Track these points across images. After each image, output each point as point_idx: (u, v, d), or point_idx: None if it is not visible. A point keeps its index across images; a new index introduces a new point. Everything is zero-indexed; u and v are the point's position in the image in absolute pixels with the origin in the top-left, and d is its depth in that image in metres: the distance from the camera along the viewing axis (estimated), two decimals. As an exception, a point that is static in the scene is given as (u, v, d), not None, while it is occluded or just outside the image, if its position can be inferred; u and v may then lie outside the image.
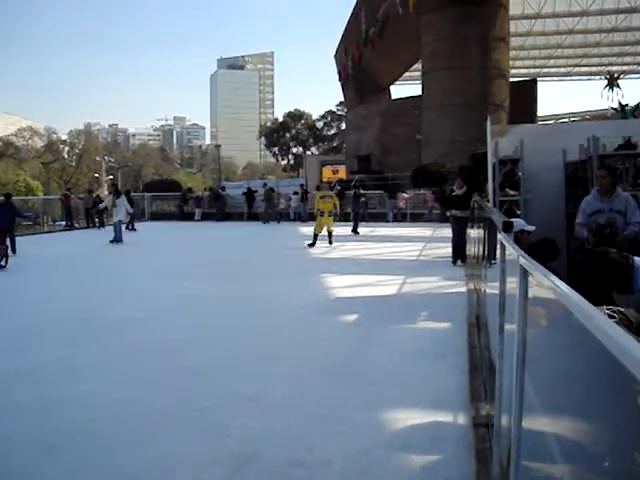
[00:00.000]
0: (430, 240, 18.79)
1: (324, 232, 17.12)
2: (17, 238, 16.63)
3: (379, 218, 28.20)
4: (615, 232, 6.26)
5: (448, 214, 13.72)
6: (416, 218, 27.99)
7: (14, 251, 15.57)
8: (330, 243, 17.08)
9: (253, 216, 30.13)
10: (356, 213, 22.95)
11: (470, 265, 11.14)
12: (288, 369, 5.73)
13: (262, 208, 30.02)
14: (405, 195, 29.30)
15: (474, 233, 9.65)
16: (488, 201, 8.81)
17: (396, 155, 43.53)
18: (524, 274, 1.99)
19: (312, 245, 16.76)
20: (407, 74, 60.74)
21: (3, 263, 13.14)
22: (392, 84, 62.61)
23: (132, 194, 26.89)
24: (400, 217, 28.63)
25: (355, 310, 8.42)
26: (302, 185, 32.74)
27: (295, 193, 30.88)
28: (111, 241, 18.57)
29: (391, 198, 28.72)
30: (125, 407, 4.77)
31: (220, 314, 8.41)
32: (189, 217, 31.68)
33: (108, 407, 4.78)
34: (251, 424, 4.39)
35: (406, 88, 68.75)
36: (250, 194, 31.47)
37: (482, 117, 11.50)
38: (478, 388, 4.81)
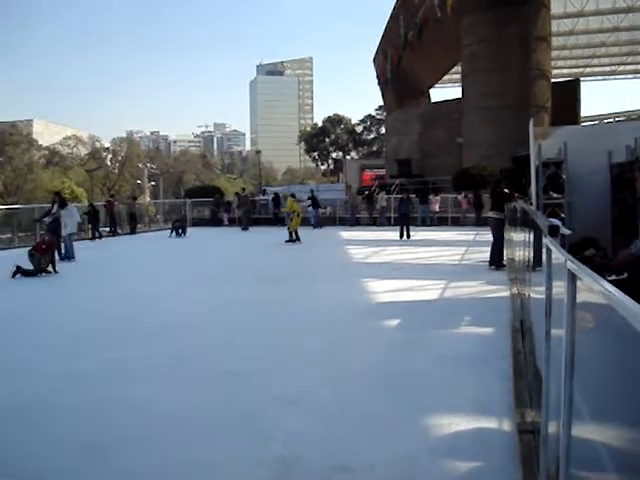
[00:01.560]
0: (472, 244, 18.61)
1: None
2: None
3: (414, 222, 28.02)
4: None
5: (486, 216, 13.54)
6: (455, 222, 27.73)
7: (72, 257, 16.08)
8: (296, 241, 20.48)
9: (280, 221, 30.11)
10: (404, 217, 21.90)
11: (513, 269, 10.99)
12: (330, 373, 5.72)
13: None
14: (438, 198, 29.07)
15: (517, 237, 9.52)
16: (531, 204, 8.69)
17: (436, 158, 43.20)
18: (572, 279, 1.96)
19: (293, 241, 20.50)
20: (447, 77, 60.31)
21: (50, 269, 13.42)
22: (432, 87, 62.21)
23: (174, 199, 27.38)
24: (436, 221, 28.35)
25: (397, 314, 8.39)
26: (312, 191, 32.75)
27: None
28: (61, 258, 15.54)
29: (422, 203, 28.50)
30: (171, 410, 4.83)
31: (262, 318, 8.46)
32: (221, 222, 32.09)
33: (154, 409, 4.85)
34: (294, 427, 4.40)
35: (446, 91, 68.46)
36: (277, 199, 31.74)
37: (524, 119, 11.38)
38: (523, 394, 4.73)
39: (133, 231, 27.88)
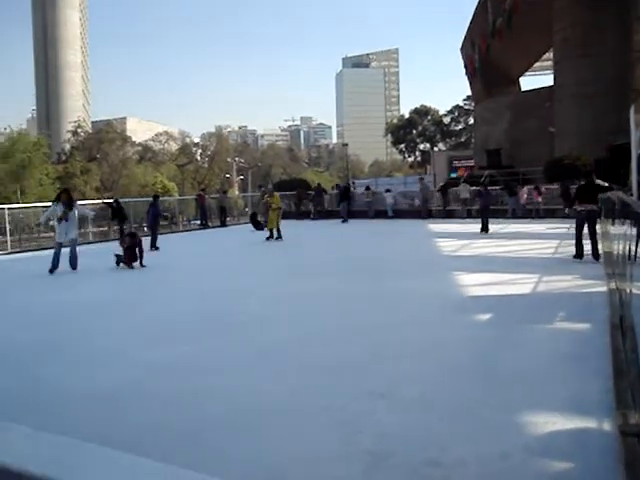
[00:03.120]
0: (565, 237, 17.96)
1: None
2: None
3: (501, 214, 27.29)
4: None
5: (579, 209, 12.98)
6: (549, 214, 26.75)
7: (157, 247, 16.91)
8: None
9: (350, 214, 30.15)
10: (483, 210, 21.05)
11: (611, 263, 10.54)
12: (420, 367, 5.66)
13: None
14: (525, 190, 28.14)
15: (615, 230, 9.12)
16: (631, 195, 8.29)
17: (527, 149, 42.00)
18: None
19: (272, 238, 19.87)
20: (537, 64, 58.49)
21: (135, 264, 13.88)
22: (521, 75, 60.49)
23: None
24: (524, 213, 27.41)
25: (487, 309, 8.21)
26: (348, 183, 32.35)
27: (388, 191, 30.84)
28: (50, 270, 13.06)
29: (512, 195, 27.71)
30: (258, 400, 4.90)
31: (349, 311, 8.46)
32: (306, 215, 32.16)
33: (241, 400, 4.92)
34: (385, 421, 4.37)
35: (536, 79, 66.08)
36: (347, 192, 31.73)
37: (621, 106, 10.88)
38: (624, 394, 4.52)
39: (223, 224, 28.51)
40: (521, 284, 10.17)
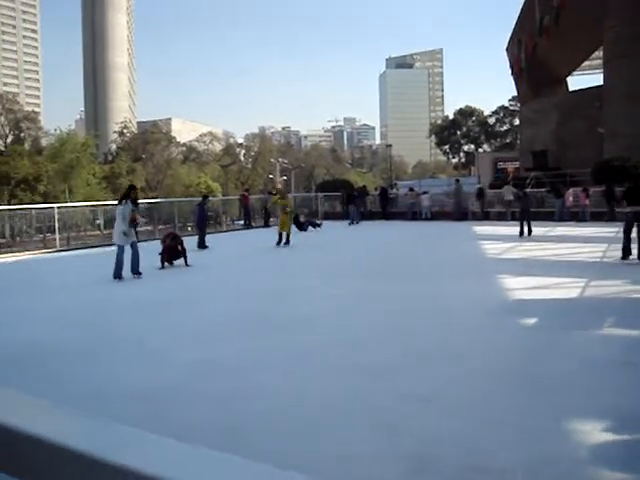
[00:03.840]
0: (614, 240, 17.51)
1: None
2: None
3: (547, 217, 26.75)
4: None
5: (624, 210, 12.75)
6: (596, 217, 26.05)
7: (206, 246, 17.43)
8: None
9: (389, 215, 30.43)
10: (523, 212, 20.02)
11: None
12: (464, 371, 5.56)
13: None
14: (570, 192, 27.48)
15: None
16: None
17: (575, 150, 41.10)
18: None
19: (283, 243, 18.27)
20: (586, 63, 57.22)
21: (179, 263, 14.10)
22: (569, 75, 59.30)
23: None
24: (570, 216, 26.77)
25: (534, 313, 8.05)
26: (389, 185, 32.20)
27: (425, 193, 30.59)
28: (117, 276, 11.95)
29: (558, 197, 27.14)
30: (300, 400, 4.89)
31: (393, 313, 8.38)
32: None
33: (284, 399, 4.92)
34: (428, 425, 4.31)
35: (585, 78, 64.71)
36: (384, 193, 32.04)
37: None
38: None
39: (267, 224, 28.64)
40: (569, 288, 9.94)
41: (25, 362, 6.29)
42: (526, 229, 19.60)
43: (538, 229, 20.70)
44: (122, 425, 0.84)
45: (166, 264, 13.80)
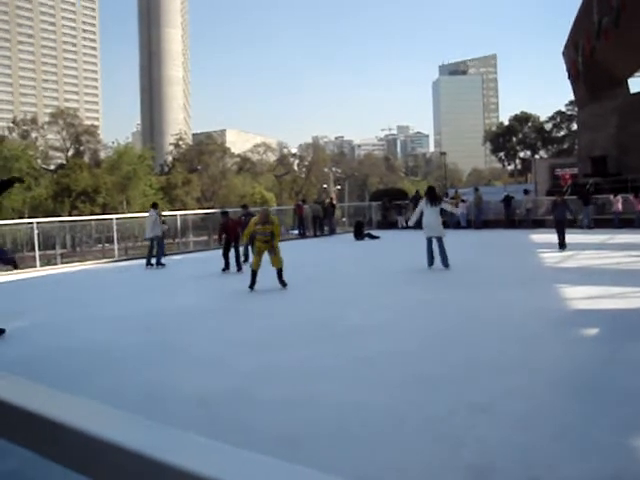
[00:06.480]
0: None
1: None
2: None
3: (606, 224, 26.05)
4: None
5: None
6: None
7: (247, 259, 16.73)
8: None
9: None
10: (559, 223, 18.01)
11: None
12: (521, 382, 5.41)
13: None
14: (619, 198, 26.60)
15: None
16: None
17: (636, 155, 39.92)
18: None
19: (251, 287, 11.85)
20: (648, 64, 55.65)
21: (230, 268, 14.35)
22: (630, 77, 57.74)
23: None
24: (618, 223, 26.02)
25: (594, 324, 7.77)
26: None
27: (462, 201, 30.02)
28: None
29: (586, 205, 26.60)
30: (357, 410, 4.83)
31: (447, 323, 8.25)
32: (392, 225, 32.16)
33: (340, 408, 4.88)
34: (486, 435, 4.20)
35: (647, 80, 62.90)
36: (418, 201, 31.15)
37: None
38: None
39: (320, 233, 28.73)
40: (632, 298, 9.56)
41: (96, 366, 6.45)
42: (560, 241, 17.69)
43: (597, 237, 20.15)
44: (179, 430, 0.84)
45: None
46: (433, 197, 14.18)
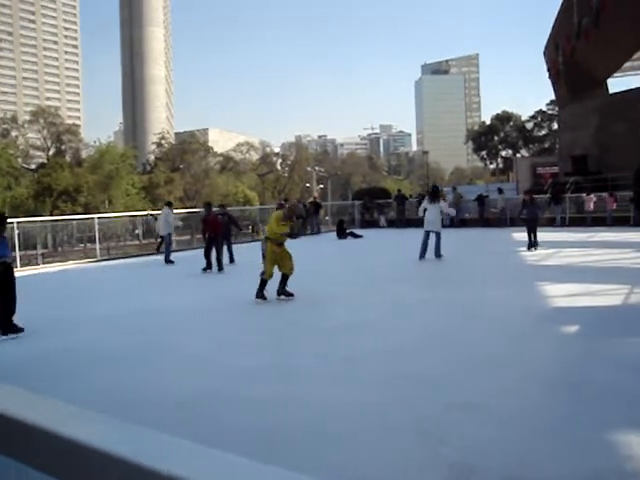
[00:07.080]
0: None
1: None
2: (238, 245, 18.05)
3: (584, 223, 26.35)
4: None
5: None
6: (619, 222, 25.39)
7: (232, 260, 16.68)
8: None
9: (407, 222, 30.00)
10: (529, 222, 17.49)
11: None
12: (505, 380, 5.47)
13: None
14: (593, 197, 27.01)
15: None
16: None
17: (616, 154, 40.26)
18: None
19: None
20: (627, 64, 56.14)
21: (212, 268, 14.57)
22: (609, 77, 58.24)
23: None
24: (591, 222, 26.45)
25: (575, 321, 7.88)
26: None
27: (444, 200, 30.51)
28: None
29: (557, 204, 27.17)
30: (341, 409, 4.85)
31: (433, 321, 8.33)
32: (373, 224, 32.32)
33: (324, 408, 4.89)
34: (471, 433, 4.24)
35: (625, 80, 63.48)
36: (401, 199, 32.08)
37: None
38: None
39: (300, 233, 28.77)
40: (611, 295, 9.71)
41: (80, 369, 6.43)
42: (533, 240, 17.39)
43: (577, 235, 20.37)
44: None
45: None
46: (435, 196, 15.77)
